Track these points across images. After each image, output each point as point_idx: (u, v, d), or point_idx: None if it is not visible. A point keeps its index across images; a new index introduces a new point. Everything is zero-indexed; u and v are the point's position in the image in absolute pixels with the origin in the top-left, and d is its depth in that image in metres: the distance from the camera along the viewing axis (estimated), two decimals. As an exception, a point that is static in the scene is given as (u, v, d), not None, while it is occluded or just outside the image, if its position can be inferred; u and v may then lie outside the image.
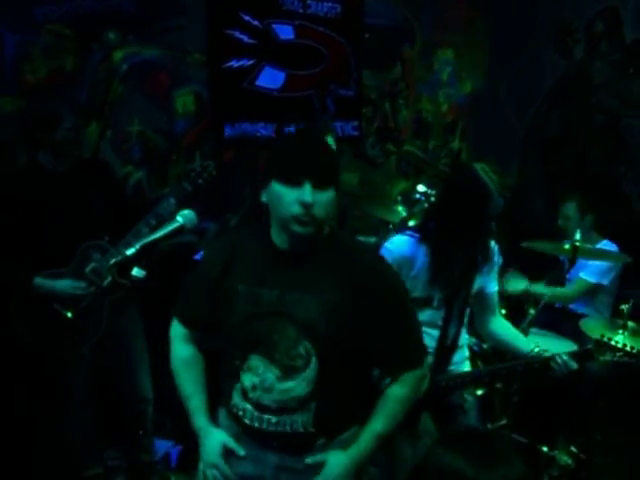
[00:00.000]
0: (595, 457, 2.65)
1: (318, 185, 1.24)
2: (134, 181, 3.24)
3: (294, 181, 1.24)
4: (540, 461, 2.58)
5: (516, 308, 2.55)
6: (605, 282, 2.94)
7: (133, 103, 3.15)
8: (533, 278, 3.19)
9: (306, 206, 1.23)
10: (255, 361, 1.35)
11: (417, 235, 1.94)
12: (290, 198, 1.24)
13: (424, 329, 1.94)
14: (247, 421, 1.39)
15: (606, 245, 2.99)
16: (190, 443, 1.59)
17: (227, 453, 1.44)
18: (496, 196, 1.84)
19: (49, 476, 2.40)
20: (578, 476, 2.58)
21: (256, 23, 3.39)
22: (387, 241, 2.03)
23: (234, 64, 3.37)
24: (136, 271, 1.16)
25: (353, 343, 1.33)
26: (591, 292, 2.95)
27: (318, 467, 1.38)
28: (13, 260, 2.14)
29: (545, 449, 2.60)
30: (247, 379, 1.37)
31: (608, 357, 2.19)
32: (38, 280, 2.13)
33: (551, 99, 4.14)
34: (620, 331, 2.57)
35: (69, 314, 2.16)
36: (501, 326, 2.09)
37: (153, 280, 1.33)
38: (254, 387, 1.36)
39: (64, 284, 2.14)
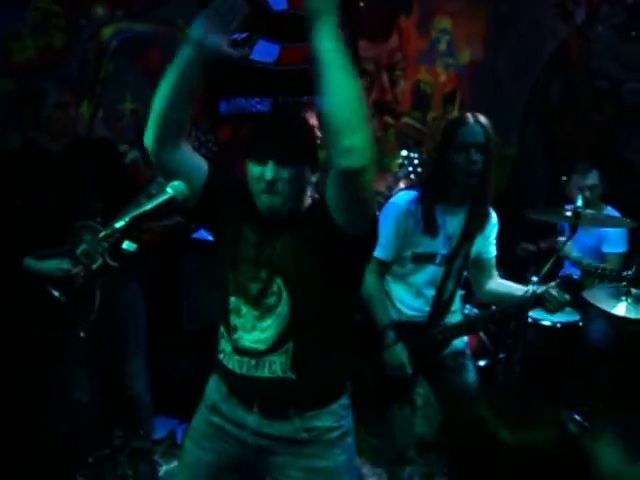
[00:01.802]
0: (598, 424, 2.66)
1: (282, 163, 1.35)
2: (129, 160, 3.19)
3: (259, 159, 1.36)
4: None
5: (518, 271, 2.53)
6: (627, 248, 2.95)
7: (124, 80, 3.09)
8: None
9: (268, 182, 1.34)
10: (235, 302, 1.44)
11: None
12: (256, 175, 1.37)
13: (423, 288, 1.98)
14: (229, 366, 1.45)
15: (610, 212, 2.97)
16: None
17: (214, 410, 1.50)
18: (471, 122, 1.87)
19: (51, 462, 2.40)
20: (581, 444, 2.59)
21: (248, -6, 3.31)
22: (393, 197, 2.06)
23: (227, 37, 3.31)
24: (127, 244, 1.13)
25: (320, 276, 1.38)
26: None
27: (295, 440, 1.43)
28: (5, 241, 2.12)
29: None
30: (230, 320, 1.45)
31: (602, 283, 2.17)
32: (27, 261, 2.11)
33: (552, 66, 4.06)
34: (623, 298, 2.56)
35: (59, 295, 2.14)
36: (497, 284, 2.10)
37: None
38: (236, 328, 1.44)
39: (51, 264, 2.12)
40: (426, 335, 1.99)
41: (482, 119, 1.90)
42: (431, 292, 2.00)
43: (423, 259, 1.96)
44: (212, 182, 1.43)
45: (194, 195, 1.38)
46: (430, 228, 1.92)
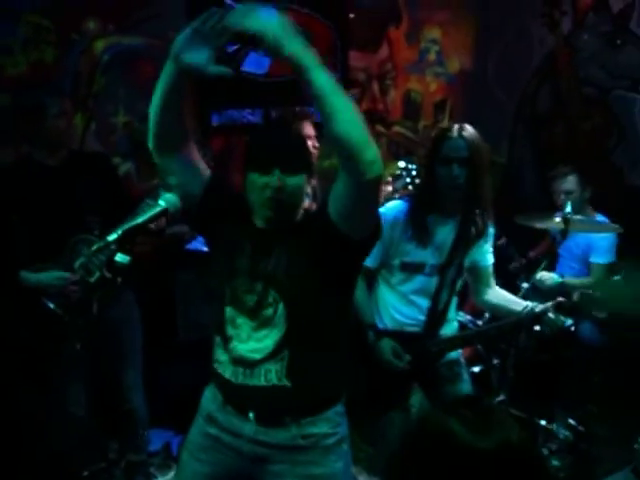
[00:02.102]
0: (593, 428, 2.67)
1: (287, 171, 1.38)
2: (122, 173, 3.20)
3: (264, 169, 1.38)
4: (539, 435, 2.59)
5: (509, 283, 2.55)
6: (614, 258, 2.96)
7: (117, 94, 3.11)
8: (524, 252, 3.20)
9: (275, 190, 1.37)
10: (231, 313, 1.45)
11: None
12: (260, 184, 1.38)
13: (414, 297, 1.99)
14: (225, 375, 1.46)
15: (600, 219, 3.00)
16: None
17: (210, 420, 1.51)
18: (455, 137, 1.87)
19: (46, 476, 2.38)
20: (577, 448, 2.60)
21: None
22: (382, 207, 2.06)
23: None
24: (120, 257, 1.14)
25: (316, 286, 1.40)
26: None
27: (292, 447, 1.43)
28: (1, 255, 2.12)
29: (543, 423, 2.61)
30: (226, 330, 1.46)
31: (597, 314, 2.18)
32: (24, 274, 2.11)
33: (540, 74, 4.11)
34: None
35: (55, 307, 2.14)
36: (496, 295, 2.11)
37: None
38: (231, 338, 1.45)
39: (48, 276, 2.11)
40: (420, 346, 1.99)
41: (467, 132, 1.88)
42: (423, 301, 2.01)
43: (412, 268, 1.97)
44: (213, 190, 1.46)
45: (195, 200, 1.44)
46: (420, 238, 1.92)
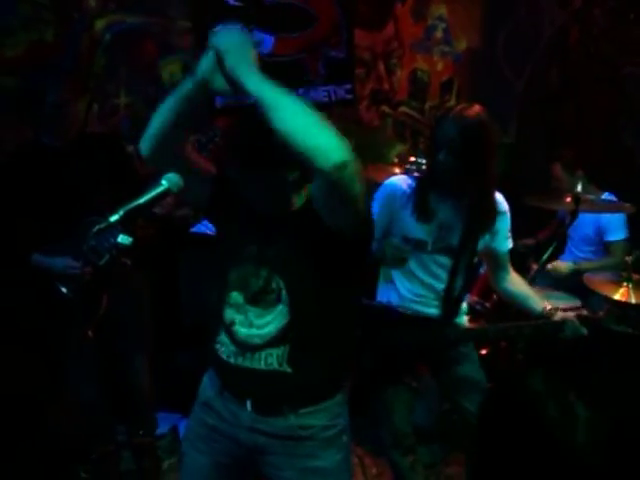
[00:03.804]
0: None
1: (248, 169, 1.34)
2: (126, 155, 3.17)
3: (239, 171, 1.37)
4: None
5: (519, 264, 2.52)
6: (628, 233, 2.94)
7: (118, 74, 3.06)
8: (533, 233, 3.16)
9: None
10: (235, 298, 1.43)
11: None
12: (242, 184, 1.38)
13: (419, 274, 1.96)
14: (224, 356, 1.44)
15: (608, 197, 2.96)
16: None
17: (208, 408, 1.49)
18: (447, 122, 1.80)
19: (55, 458, 2.40)
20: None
21: (241, -17, 3.28)
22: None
23: (221, 29, 3.27)
24: (122, 238, 1.12)
25: (317, 274, 1.37)
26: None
27: (290, 438, 1.41)
28: (13, 237, 2.10)
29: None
30: (229, 314, 1.44)
31: (617, 327, 2.16)
32: (36, 257, 2.09)
33: (550, 52, 4.03)
34: (625, 283, 2.54)
35: (67, 292, 2.13)
36: (514, 283, 2.07)
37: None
38: (234, 322, 1.43)
39: (61, 262, 2.10)
40: (438, 331, 1.96)
41: (462, 117, 1.79)
42: (430, 280, 1.97)
43: (413, 244, 1.93)
44: (219, 185, 1.44)
45: (204, 198, 1.44)
46: (423, 212, 1.89)
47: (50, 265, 2.10)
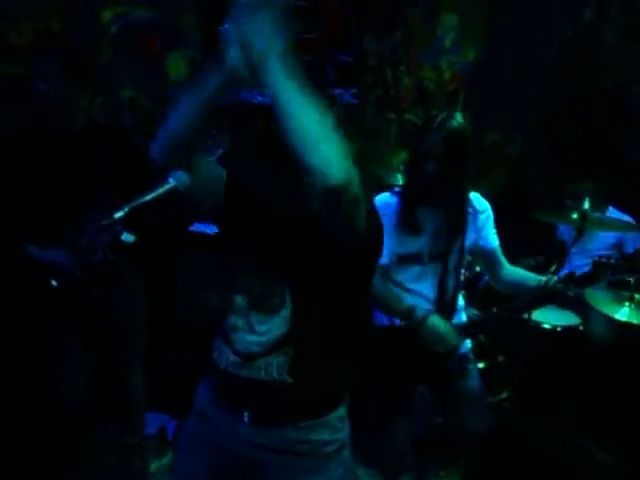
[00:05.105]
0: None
1: None
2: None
3: None
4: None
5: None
6: None
7: (123, 67, 3.03)
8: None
9: None
10: (238, 302, 1.38)
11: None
12: None
13: (412, 285, 1.93)
14: (222, 365, 1.39)
15: (612, 212, 2.94)
16: (186, 417, 1.54)
17: (204, 418, 1.44)
18: (431, 132, 1.80)
19: (41, 457, 2.35)
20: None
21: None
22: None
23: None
24: (125, 235, 1.08)
25: (321, 283, 1.32)
26: None
27: (289, 452, 1.37)
28: (10, 226, 2.05)
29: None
30: (231, 319, 1.39)
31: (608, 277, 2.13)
32: (31, 249, 2.05)
33: (557, 66, 4.03)
34: (627, 303, 2.52)
35: (57, 285, 2.08)
36: (510, 273, 2.05)
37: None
38: (235, 327, 1.38)
39: (55, 256, 2.05)
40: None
41: (448, 129, 1.79)
42: (424, 288, 1.95)
43: (409, 259, 1.91)
44: (226, 187, 1.39)
45: (209, 202, 1.40)
46: (413, 225, 1.88)
47: (44, 258, 2.05)
